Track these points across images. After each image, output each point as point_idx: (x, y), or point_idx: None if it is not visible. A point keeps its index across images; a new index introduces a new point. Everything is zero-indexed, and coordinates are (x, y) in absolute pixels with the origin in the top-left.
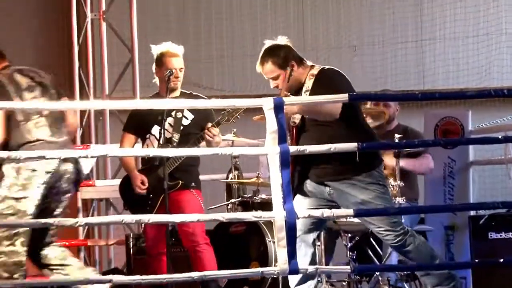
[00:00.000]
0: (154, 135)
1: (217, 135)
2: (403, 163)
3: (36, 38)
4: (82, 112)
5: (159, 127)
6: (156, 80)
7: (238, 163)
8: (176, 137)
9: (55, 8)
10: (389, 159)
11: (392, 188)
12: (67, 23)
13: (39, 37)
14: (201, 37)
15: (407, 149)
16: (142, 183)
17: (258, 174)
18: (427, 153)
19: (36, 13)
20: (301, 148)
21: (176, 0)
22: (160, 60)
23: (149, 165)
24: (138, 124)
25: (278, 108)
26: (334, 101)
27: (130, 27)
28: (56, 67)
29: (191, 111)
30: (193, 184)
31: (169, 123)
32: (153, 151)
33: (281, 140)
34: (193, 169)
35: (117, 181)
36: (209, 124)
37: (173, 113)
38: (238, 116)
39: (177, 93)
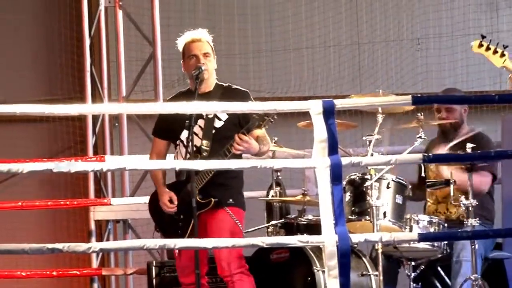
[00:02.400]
0: (183, 141)
1: (249, 144)
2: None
3: (38, 29)
4: (95, 118)
5: (187, 132)
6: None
7: (280, 177)
8: (206, 144)
9: None
10: (458, 173)
11: (463, 208)
12: (76, 11)
13: (41, 28)
14: (234, 27)
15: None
16: (171, 201)
17: (304, 190)
18: (487, 169)
19: (38, 2)
20: (355, 160)
21: None
22: (183, 51)
23: (178, 179)
24: (167, 128)
25: (328, 112)
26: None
27: (151, 17)
28: (64, 64)
29: None
30: (230, 200)
31: (199, 126)
32: (178, 163)
33: (332, 150)
34: (231, 183)
35: (136, 199)
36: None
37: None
38: (272, 120)
39: (210, 86)
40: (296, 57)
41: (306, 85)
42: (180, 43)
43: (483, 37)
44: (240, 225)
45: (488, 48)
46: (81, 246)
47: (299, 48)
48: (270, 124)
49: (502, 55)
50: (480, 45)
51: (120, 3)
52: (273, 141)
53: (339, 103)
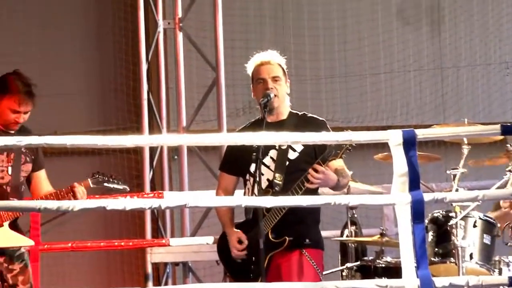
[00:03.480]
0: (253, 176)
1: (325, 175)
2: None
3: (92, 54)
4: (152, 150)
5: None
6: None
7: (356, 215)
8: (279, 178)
9: (117, 15)
10: None
11: None
12: (132, 34)
13: (95, 53)
14: (305, 50)
15: None
16: (240, 241)
17: (383, 230)
18: None
19: (90, 22)
20: (438, 196)
21: (272, 4)
22: (252, 75)
23: (247, 217)
24: (235, 161)
25: (409, 143)
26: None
27: (215, 39)
28: (118, 91)
29: None
30: (307, 241)
31: (271, 158)
32: (244, 200)
33: (413, 185)
34: (307, 220)
35: (197, 240)
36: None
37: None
38: (350, 148)
39: (283, 114)
40: (373, 83)
41: (384, 113)
42: (249, 66)
43: None
44: (318, 269)
45: None
46: None
47: (376, 73)
48: (347, 153)
49: None
50: None
51: (181, 24)
52: None
53: (421, 133)
